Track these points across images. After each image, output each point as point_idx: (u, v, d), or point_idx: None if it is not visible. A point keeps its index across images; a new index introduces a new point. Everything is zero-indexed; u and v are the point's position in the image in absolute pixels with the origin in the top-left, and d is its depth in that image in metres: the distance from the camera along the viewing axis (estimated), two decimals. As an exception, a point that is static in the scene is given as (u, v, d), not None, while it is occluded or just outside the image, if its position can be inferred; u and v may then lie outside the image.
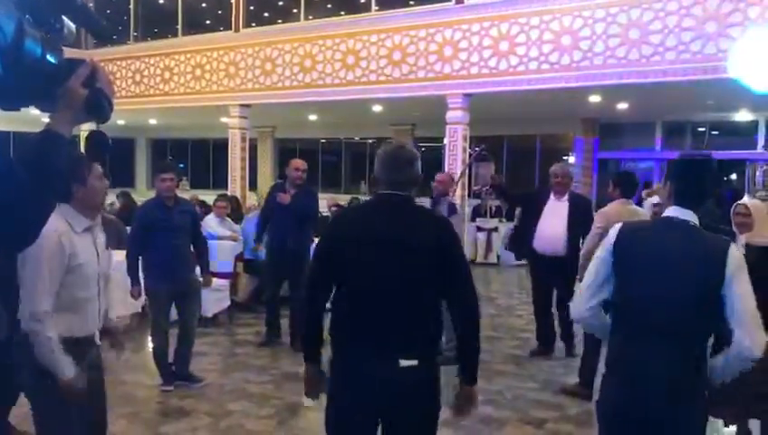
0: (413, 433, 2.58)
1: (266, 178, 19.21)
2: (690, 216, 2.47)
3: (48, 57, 1.18)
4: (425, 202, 6.11)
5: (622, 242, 2.51)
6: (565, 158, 15.76)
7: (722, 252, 2.35)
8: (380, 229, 2.55)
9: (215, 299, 7.44)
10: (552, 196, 6.34)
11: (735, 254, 2.37)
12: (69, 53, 1.21)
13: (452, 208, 6.32)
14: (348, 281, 2.57)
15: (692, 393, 2.39)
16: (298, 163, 6.61)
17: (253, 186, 16.97)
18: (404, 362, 2.46)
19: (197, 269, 5.73)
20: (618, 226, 2.60)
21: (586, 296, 2.57)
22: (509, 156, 16.89)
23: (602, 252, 2.56)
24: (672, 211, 2.51)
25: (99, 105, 1.24)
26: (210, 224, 8.01)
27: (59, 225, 2.72)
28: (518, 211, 8.08)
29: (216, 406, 5.05)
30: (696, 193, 2.52)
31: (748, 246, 3.58)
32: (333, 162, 19.75)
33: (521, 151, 17.00)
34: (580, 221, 6.05)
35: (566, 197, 6.32)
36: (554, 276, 6.26)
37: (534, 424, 4.83)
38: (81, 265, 2.78)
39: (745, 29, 8.59)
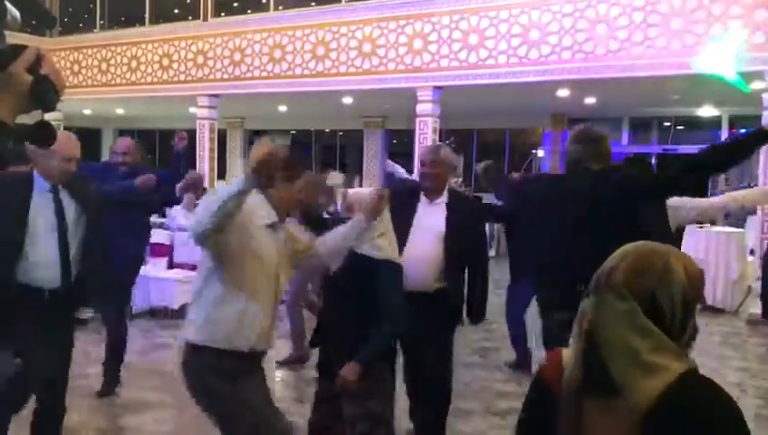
0: None
1: (236, 170, 19.07)
2: None
3: None
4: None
5: None
6: (534, 151, 15.90)
7: None
8: None
9: (182, 291, 7.38)
10: (421, 196, 3.91)
11: None
12: (32, 41, 1.17)
13: None
14: None
15: None
16: (118, 143, 5.16)
17: (222, 177, 16.84)
18: None
19: None
20: None
21: None
22: (479, 150, 16.98)
23: None
24: None
25: (44, 93, 1.19)
26: (177, 215, 7.94)
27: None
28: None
29: (182, 398, 4.99)
30: None
31: None
32: (304, 154, 19.68)
33: (490, 145, 17.10)
34: (463, 236, 3.78)
35: (443, 197, 3.89)
36: (423, 332, 3.62)
37: (500, 415, 4.88)
38: (262, 257, 2.68)
39: (710, 26, 8.74)
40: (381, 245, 3.19)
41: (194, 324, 2.74)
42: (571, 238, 3.18)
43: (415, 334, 3.55)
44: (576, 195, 3.23)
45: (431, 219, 3.76)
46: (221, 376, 2.68)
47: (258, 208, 2.71)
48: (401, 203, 3.60)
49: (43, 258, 3.29)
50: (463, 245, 3.77)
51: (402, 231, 3.55)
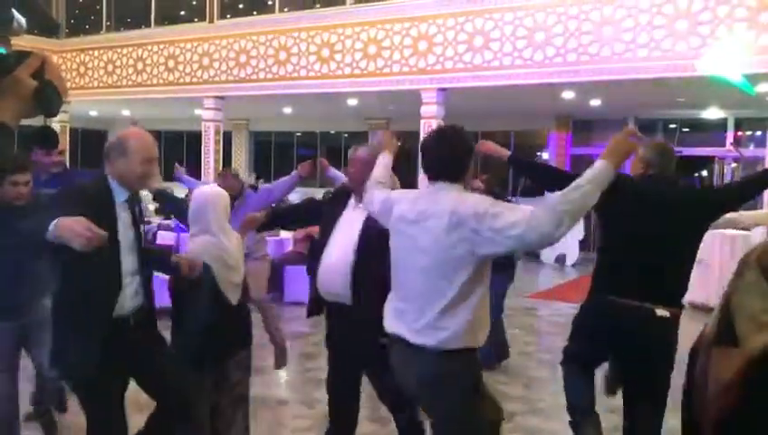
0: None
1: (241, 171, 19.07)
2: None
3: None
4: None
5: None
6: (539, 153, 15.88)
7: None
8: None
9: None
10: (351, 199, 3.40)
11: None
12: (39, 42, 1.19)
13: None
14: None
15: None
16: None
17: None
18: None
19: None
20: None
21: None
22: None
23: None
24: None
25: (48, 98, 1.20)
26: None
27: None
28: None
29: (186, 399, 5.01)
30: None
31: None
32: (309, 156, 19.70)
33: (495, 146, 17.05)
34: (380, 246, 2.87)
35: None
36: (346, 345, 3.35)
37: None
38: None
39: (715, 28, 8.72)
40: (197, 241, 3.16)
41: (450, 332, 2.52)
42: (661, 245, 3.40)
43: (340, 347, 3.37)
44: (674, 202, 3.46)
45: (351, 224, 3.27)
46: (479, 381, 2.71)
47: None
48: (333, 205, 3.41)
49: (129, 285, 2.87)
50: (380, 255, 2.90)
51: (325, 235, 3.31)
